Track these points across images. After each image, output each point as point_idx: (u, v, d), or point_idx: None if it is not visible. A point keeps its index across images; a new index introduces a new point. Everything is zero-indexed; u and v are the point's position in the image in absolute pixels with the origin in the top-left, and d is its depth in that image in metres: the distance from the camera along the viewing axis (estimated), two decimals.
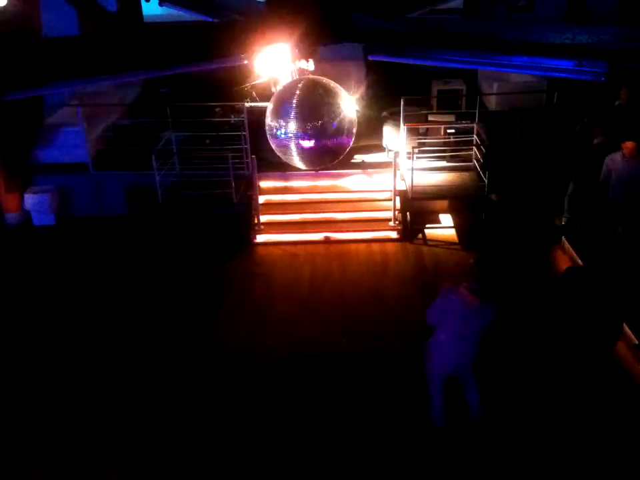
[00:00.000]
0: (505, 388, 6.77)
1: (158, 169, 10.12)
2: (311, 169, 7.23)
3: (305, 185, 10.64)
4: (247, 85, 10.95)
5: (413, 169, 10.19)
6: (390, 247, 9.91)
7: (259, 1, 11.00)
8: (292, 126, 6.13)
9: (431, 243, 9.95)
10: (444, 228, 10.34)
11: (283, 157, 6.55)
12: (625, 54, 7.39)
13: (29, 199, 10.76)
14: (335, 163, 6.76)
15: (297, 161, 6.47)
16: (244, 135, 10.58)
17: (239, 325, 8.14)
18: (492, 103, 12.27)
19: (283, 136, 6.22)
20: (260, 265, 9.68)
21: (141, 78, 12.00)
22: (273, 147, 6.51)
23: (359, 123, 6.70)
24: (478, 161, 10.52)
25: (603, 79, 7.65)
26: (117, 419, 6.68)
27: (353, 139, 6.57)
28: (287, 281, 9.11)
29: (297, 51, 9.48)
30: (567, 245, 9.27)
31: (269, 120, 6.36)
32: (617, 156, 8.35)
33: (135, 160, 10.60)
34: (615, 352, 7.04)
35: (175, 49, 9.19)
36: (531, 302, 7.90)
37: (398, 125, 10.64)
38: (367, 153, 11.27)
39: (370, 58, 9.46)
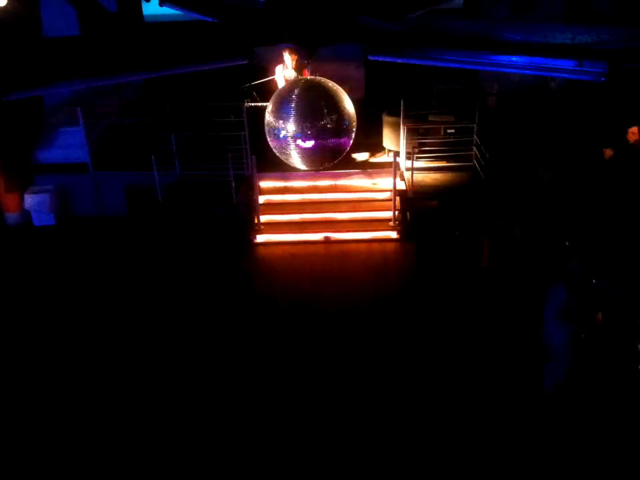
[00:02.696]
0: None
1: (158, 169, 10.12)
2: (311, 169, 7.23)
3: (305, 185, 10.64)
4: (247, 85, 10.95)
5: (413, 169, 10.21)
6: (390, 246, 9.91)
7: (258, 1, 10.97)
8: (292, 126, 6.13)
9: None
10: None
11: (282, 157, 6.54)
12: (625, 54, 7.38)
13: (29, 199, 10.76)
14: (334, 163, 6.76)
15: (296, 161, 6.46)
16: (244, 134, 10.58)
17: (239, 325, 8.13)
18: (492, 103, 12.27)
19: (282, 136, 6.22)
20: (260, 264, 9.68)
21: (140, 78, 11.98)
22: (273, 147, 6.50)
23: (359, 123, 6.69)
24: (478, 161, 10.53)
25: (603, 79, 7.64)
26: (110, 422, 6.69)
27: (353, 139, 6.56)
28: (287, 281, 9.11)
29: (296, 51, 9.49)
30: None
31: (268, 120, 6.35)
32: None
33: (134, 160, 10.61)
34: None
35: (175, 48, 9.18)
36: None
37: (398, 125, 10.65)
38: (367, 153, 11.30)
39: (370, 58, 9.45)
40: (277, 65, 10.33)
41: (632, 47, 7.30)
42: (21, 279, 9.48)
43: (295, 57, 9.69)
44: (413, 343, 7.59)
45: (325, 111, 6.07)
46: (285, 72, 10.04)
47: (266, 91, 10.25)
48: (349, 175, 10.72)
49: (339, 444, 6.26)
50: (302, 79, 6.56)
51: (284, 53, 9.98)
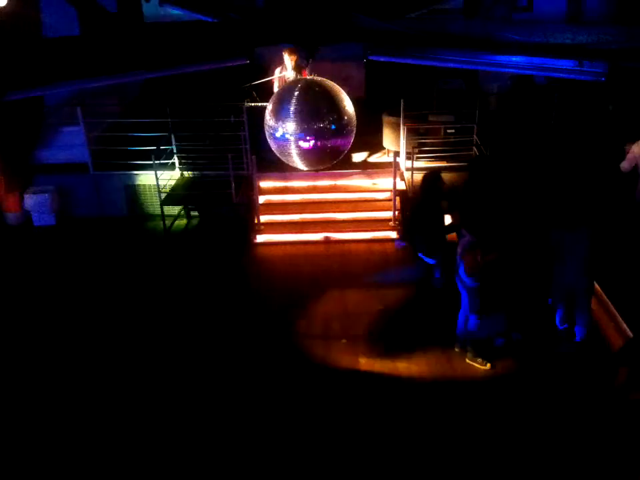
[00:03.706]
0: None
1: (158, 169, 10.12)
2: (311, 169, 7.24)
3: (305, 185, 10.63)
4: (247, 85, 10.95)
5: (413, 169, 10.20)
6: (390, 246, 9.90)
7: (258, 1, 10.98)
8: (291, 126, 6.14)
9: None
10: None
11: (282, 158, 6.55)
12: (625, 54, 7.39)
13: (29, 199, 10.76)
14: (334, 163, 6.77)
15: (296, 162, 6.48)
16: (244, 134, 10.58)
17: (238, 325, 8.13)
18: (492, 102, 12.28)
19: (282, 136, 6.23)
20: (260, 265, 9.67)
21: (141, 78, 12.00)
22: (273, 147, 6.52)
23: (358, 123, 6.71)
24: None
25: (602, 79, 7.65)
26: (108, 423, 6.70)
27: (352, 139, 6.58)
28: (287, 281, 9.09)
29: (296, 51, 9.52)
30: None
31: (268, 120, 6.37)
32: None
33: (134, 160, 10.61)
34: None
35: (175, 49, 9.20)
36: None
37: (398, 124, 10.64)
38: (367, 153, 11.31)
39: (370, 58, 9.47)
40: (277, 66, 10.35)
41: (632, 47, 7.30)
42: (21, 279, 9.48)
43: (295, 58, 9.70)
44: (414, 344, 7.58)
45: (325, 111, 6.09)
46: (284, 73, 10.05)
47: (266, 91, 10.25)
48: (349, 174, 10.71)
49: (339, 445, 6.26)
50: (301, 80, 6.57)
51: (283, 54, 9.99)
